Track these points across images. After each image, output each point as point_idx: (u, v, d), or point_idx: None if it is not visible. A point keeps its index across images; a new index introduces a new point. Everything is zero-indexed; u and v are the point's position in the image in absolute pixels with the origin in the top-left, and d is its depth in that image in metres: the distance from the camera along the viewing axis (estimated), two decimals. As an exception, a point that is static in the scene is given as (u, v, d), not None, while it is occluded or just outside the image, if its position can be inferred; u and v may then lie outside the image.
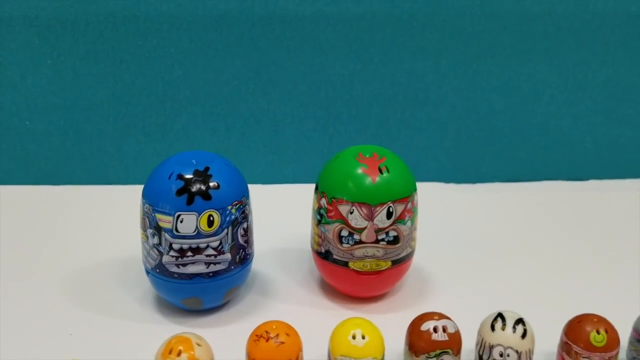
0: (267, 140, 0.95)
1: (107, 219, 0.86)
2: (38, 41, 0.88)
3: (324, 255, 0.67)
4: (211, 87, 0.92)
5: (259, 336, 0.52)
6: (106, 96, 0.91)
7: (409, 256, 0.68)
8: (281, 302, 0.70)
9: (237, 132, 0.94)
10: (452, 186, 0.98)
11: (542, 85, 0.95)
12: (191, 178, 0.61)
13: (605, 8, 0.92)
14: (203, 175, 0.61)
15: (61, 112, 0.92)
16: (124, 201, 0.81)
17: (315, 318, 0.66)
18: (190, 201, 0.60)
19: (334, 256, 0.66)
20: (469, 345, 0.58)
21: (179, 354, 0.50)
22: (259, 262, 0.74)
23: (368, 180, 0.64)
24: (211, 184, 0.61)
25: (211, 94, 0.92)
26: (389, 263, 0.66)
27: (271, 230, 0.81)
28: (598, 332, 0.54)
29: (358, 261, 0.65)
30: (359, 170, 0.64)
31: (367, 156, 0.66)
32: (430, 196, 0.94)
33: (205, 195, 0.60)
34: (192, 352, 0.51)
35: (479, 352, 0.56)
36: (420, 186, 0.97)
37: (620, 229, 0.86)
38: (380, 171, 0.64)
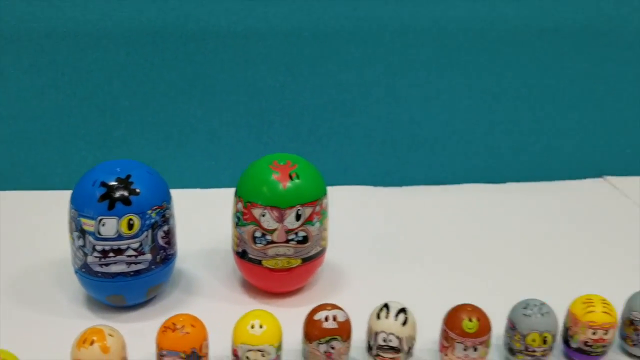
0: (203, 147, 1.00)
1: (48, 222, 0.88)
2: (-17, 56, 0.93)
3: (241, 255, 0.73)
4: (149, 98, 0.97)
5: (167, 327, 0.58)
6: (49, 107, 0.96)
7: (319, 254, 0.74)
8: (204, 298, 0.75)
9: (174, 141, 0.99)
10: (380, 189, 1.04)
11: (460, 95, 1.02)
12: (113, 185, 0.66)
13: (517, 24, 0.99)
14: (124, 183, 0.67)
15: (7, 121, 0.96)
16: (66, 205, 0.86)
17: (232, 313, 0.70)
18: (111, 206, 0.65)
19: (250, 255, 0.72)
20: (364, 334, 0.64)
21: (91, 343, 0.56)
22: (186, 262, 0.80)
23: (279, 186, 0.70)
24: (132, 191, 0.67)
25: (149, 105, 0.97)
26: (299, 261, 0.72)
27: (202, 231, 0.87)
28: (470, 320, 0.60)
29: (270, 259, 0.71)
30: (272, 177, 0.70)
31: (282, 164, 0.72)
32: (359, 199, 1.01)
33: (126, 200, 0.66)
34: (104, 342, 0.56)
35: (368, 338, 0.62)
36: (350, 189, 1.03)
37: (531, 229, 0.93)
38: (291, 177, 0.70)
